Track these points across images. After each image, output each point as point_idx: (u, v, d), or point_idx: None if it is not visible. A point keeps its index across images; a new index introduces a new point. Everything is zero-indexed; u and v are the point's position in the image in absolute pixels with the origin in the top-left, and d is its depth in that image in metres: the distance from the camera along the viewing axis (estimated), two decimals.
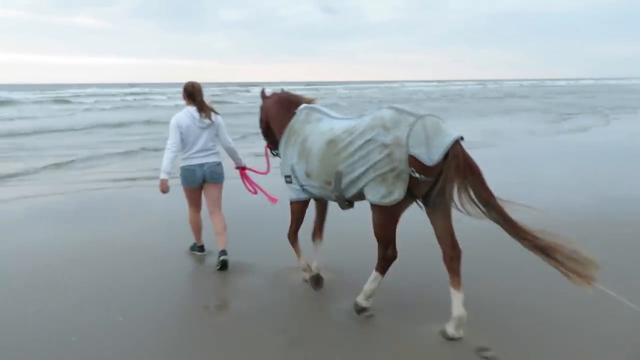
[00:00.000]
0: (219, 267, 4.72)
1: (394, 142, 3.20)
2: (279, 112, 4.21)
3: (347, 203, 3.75)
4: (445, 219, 3.37)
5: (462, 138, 3.21)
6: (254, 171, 5.16)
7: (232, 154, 5.10)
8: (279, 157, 4.26)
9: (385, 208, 3.34)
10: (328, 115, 3.92)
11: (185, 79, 4.91)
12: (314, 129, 3.82)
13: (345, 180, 3.50)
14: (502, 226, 3.16)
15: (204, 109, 4.72)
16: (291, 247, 4.30)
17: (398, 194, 3.24)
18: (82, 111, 29.21)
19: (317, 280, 4.21)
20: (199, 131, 4.70)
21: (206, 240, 5.21)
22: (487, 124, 19.55)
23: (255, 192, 5.08)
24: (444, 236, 3.39)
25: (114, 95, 47.69)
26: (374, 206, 3.42)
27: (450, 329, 3.37)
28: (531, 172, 9.42)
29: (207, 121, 4.72)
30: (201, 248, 5.18)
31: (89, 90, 58.30)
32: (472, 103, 36.34)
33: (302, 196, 4.05)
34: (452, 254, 3.37)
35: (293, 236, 4.28)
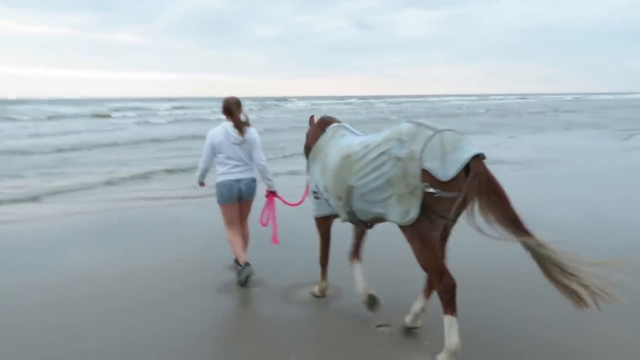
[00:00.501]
0: (241, 282, 4.64)
1: (408, 155, 3.08)
2: (314, 132, 4.24)
3: (361, 222, 3.63)
4: (443, 242, 3.31)
5: (483, 156, 3.02)
6: (283, 201, 4.98)
7: (263, 173, 4.87)
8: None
9: (414, 230, 3.15)
10: (352, 132, 3.91)
11: (221, 93, 5.15)
12: (334, 145, 3.82)
13: (356, 195, 3.40)
14: (531, 250, 2.94)
15: (238, 125, 4.69)
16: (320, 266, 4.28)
17: (414, 212, 3.07)
18: (133, 124, 29.40)
19: (373, 301, 3.96)
20: (233, 147, 4.69)
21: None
22: (549, 139, 18.47)
23: (266, 224, 4.86)
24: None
25: (156, 109, 47.65)
26: (402, 229, 3.25)
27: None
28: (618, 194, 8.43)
29: (240, 137, 4.68)
30: (245, 265, 4.75)
31: (131, 104, 58.78)
32: (523, 117, 34.85)
33: (325, 211, 4.04)
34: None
35: (323, 258, 4.27)
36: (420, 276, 3.50)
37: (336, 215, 3.97)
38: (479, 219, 2.95)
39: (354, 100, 76.15)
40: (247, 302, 4.43)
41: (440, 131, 3.08)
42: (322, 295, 4.36)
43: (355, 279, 4.02)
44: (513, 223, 2.94)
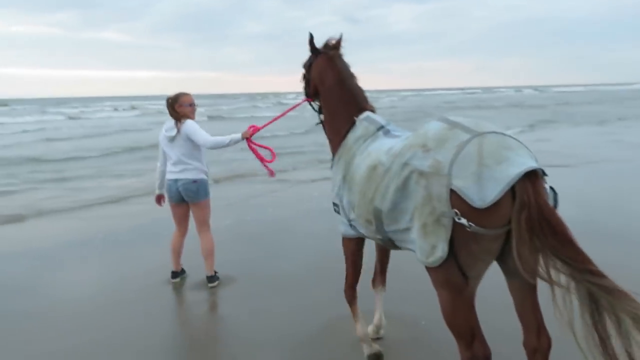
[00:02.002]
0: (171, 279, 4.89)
1: (432, 169, 2.13)
2: (336, 109, 3.22)
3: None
4: (526, 291, 2.24)
5: (542, 172, 2.03)
6: (260, 145, 4.23)
7: (217, 146, 4.46)
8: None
9: (441, 274, 2.19)
10: (389, 132, 2.87)
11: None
12: (365, 148, 2.85)
13: (386, 221, 2.43)
14: (609, 302, 1.87)
15: (175, 120, 4.59)
16: (348, 304, 3.32)
17: (441, 249, 2.11)
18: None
19: (378, 358, 3.25)
20: (168, 145, 4.60)
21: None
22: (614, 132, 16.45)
23: (272, 173, 4.38)
24: (526, 314, 2.29)
25: (150, 107, 45.91)
26: (430, 275, 2.29)
27: None
28: None
29: (170, 135, 4.56)
30: (173, 274, 4.94)
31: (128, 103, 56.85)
32: (548, 110, 32.54)
33: (350, 233, 3.00)
34: (535, 344, 2.27)
35: (350, 290, 3.28)
36: None
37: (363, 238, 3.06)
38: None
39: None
40: (215, 302, 4.52)
41: (482, 134, 2.10)
42: (373, 350, 3.27)
43: (375, 306, 3.56)
44: (585, 269, 1.90)
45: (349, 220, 2.92)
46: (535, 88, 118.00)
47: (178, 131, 4.50)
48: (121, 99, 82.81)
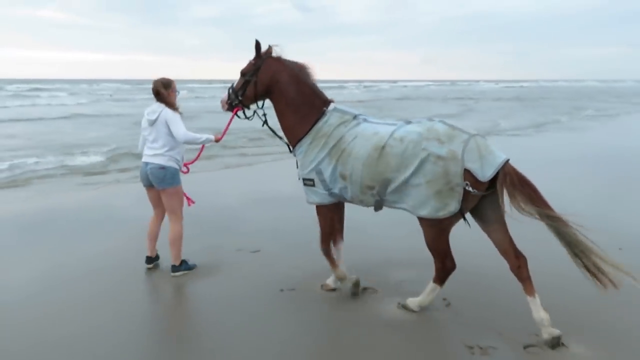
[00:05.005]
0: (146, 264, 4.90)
1: (450, 155, 3.36)
2: (300, 102, 3.95)
3: (380, 207, 3.77)
4: (502, 231, 3.53)
5: (508, 159, 3.40)
6: (192, 161, 4.95)
7: (191, 142, 4.61)
8: (285, 143, 4.17)
9: (437, 222, 3.48)
10: (366, 119, 3.88)
11: (152, 75, 4.93)
12: (352, 132, 3.77)
13: (391, 187, 3.55)
14: (559, 231, 3.31)
15: (162, 103, 4.63)
16: (325, 257, 4.17)
17: (454, 206, 3.38)
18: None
19: (357, 285, 4.19)
20: (148, 127, 4.62)
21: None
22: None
23: (187, 171, 4.90)
24: (505, 248, 3.54)
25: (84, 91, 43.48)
26: (423, 221, 3.55)
27: (545, 335, 3.43)
28: None
29: (153, 117, 4.56)
30: (148, 259, 4.95)
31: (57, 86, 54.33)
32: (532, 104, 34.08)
33: (327, 200, 3.91)
34: (517, 263, 3.50)
35: (326, 244, 4.11)
36: None
37: (336, 203, 4.00)
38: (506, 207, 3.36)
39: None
40: (183, 291, 4.54)
41: (474, 135, 3.43)
42: (352, 280, 4.20)
43: (337, 258, 4.19)
44: (546, 206, 3.33)
45: (329, 190, 3.81)
46: (470, 83, 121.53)
47: (159, 115, 4.53)
48: (60, 82, 78.09)
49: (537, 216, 3.31)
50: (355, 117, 3.87)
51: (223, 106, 4.30)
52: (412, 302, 3.90)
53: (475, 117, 23.38)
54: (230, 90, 4.19)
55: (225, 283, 4.59)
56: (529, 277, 3.45)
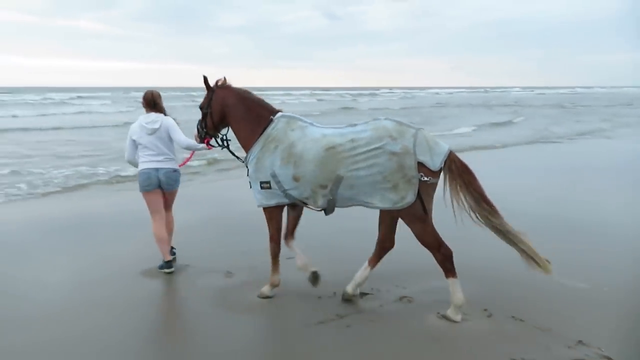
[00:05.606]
0: (165, 270, 5.03)
1: (403, 150, 3.65)
2: (248, 117, 4.29)
3: (332, 208, 3.97)
4: (393, 219, 4.03)
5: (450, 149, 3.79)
6: (182, 164, 5.31)
7: (191, 148, 5.03)
8: (242, 161, 4.38)
9: (412, 213, 3.73)
10: (312, 124, 4.12)
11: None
12: (301, 136, 3.99)
13: (344, 184, 3.78)
14: (490, 218, 3.73)
15: (159, 113, 5.04)
16: (272, 258, 4.35)
17: (410, 197, 3.66)
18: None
19: (315, 277, 4.37)
20: (148, 138, 4.93)
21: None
22: None
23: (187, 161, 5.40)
24: (388, 230, 4.11)
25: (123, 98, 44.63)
26: (402, 215, 3.81)
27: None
28: None
29: (151, 128, 4.90)
30: (168, 264, 5.06)
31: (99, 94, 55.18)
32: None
33: (281, 201, 4.13)
34: (390, 245, 4.17)
35: (275, 245, 4.32)
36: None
37: (286, 204, 4.20)
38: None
39: (339, 92, 73.89)
40: (178, 293, 4.71)
41: (419, 129, 3.77)
42: (273, 292, 4.40)
43: (296, 257, 4.40)
44: (480, 196, 3.74)
45: (285, 191, 4.01)
46: (504, 89, 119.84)
47: (161, 124, 4.92)
48: (97, 90, 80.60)
49: (471, 204, 3.72)
50: (302, 122, 4.11)
51: (196, 139, 4.72)
52: (451, 311, 3.92)
53: (525, 125, 23.02)
54: (198, 125, 4.63)
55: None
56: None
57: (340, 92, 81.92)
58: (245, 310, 4.18)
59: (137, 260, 5.35)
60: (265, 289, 4.38)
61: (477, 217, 3.75)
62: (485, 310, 4.07)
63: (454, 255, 3.81)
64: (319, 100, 50.41)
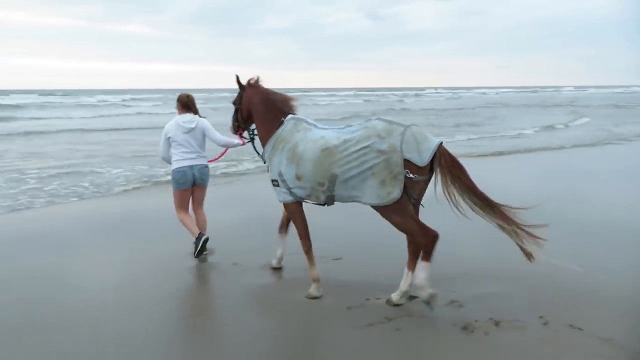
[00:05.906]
0: (198, 252, 5.28)
1: (390, 148, 3.80)
2: (266, 117, 4.59)
3: (332, 202, 4.22)
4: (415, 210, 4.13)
5: (442, 142, 3.88)
6: (215, 159, 5.91)
7: (228, 145, 5.49)
8: (260, 155, 4.69)
9: (395, 208, 3.86)
10: (315, 126, 4.35)
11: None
12: (303, 137, 4.24)
13: (339, 181, 3.98)
14: (484, 209, 3.83)
15: (195, 114, 5.48)
16: (305, 254, 4.45)
17: (396, 193, 3.81)
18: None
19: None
20: (184, 136, 5.31)
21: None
22: None
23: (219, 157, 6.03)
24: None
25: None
26: (381, 209, 3.95)
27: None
28: None
29: (189, 127, 5.31)
30: (199, 237, 5.27)
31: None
32: None
33: (289, 199, 4.36)
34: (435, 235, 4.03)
35: (306, 241, 4.44)
36: None
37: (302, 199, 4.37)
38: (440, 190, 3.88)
39: (383, 92, 73.43)
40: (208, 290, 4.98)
41: (409, 126, 3.88)
42: (320, 292, 4.41)
43: (277, 247, 4.99)
44: (470, 189, 3.85)
45: (289, 189, 4.25)
46: (556, 89, 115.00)
47: (197, 124, 5.31)
48: (146, 92, 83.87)
49: (461, 197, 3.83)
50: (307, 124, 4.36)
51: (231, 130, 5.13)
52: (397, 294, 4.15)
53: (587, 126, 22.07)
54: (232, 118, 5.05)
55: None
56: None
57: (385, 92, 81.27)
58: (292, 310, 4.21)
59: (187, 258, 5.51)
60: (312, 290, 4.40)
61: (472, 210, 3.88)
62: (541, 317, 3.93)
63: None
64: (365, 100, 50.13)
